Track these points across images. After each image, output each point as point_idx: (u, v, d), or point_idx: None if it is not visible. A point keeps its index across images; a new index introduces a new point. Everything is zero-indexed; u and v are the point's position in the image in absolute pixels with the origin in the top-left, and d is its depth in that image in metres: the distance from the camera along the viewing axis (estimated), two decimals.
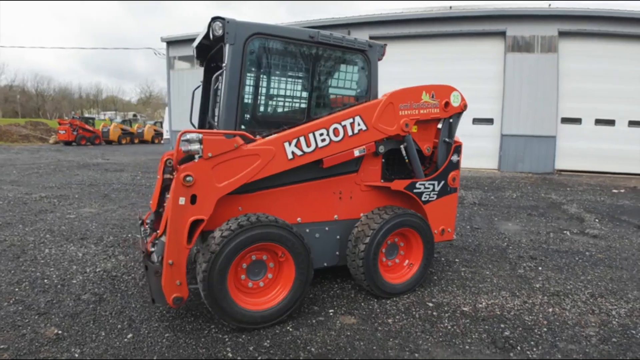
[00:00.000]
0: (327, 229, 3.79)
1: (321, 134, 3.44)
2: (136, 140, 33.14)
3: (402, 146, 3.91)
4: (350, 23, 16.90)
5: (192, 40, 4.33)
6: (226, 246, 2.96)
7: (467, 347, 3.03)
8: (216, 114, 3.70)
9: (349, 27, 16.61)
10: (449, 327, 3.32)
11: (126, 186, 10.44)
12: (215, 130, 3.29)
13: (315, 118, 3.55)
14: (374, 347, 2.99)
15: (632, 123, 14.73)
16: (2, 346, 2.89)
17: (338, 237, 3.85)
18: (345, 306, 3.67)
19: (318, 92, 3.83)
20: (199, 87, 4.39)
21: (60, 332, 3.12)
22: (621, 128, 14.82)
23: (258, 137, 3.34)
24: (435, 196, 4.07)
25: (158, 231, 3.37)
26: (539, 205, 8.81)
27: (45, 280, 4.14)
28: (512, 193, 10.41)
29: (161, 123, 36.86)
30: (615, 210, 8.48)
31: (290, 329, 3.22)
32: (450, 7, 17.71)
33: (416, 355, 2.91)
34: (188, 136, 2.98)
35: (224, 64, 3.29)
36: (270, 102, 3.89)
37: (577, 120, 15.10)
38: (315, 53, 3.65)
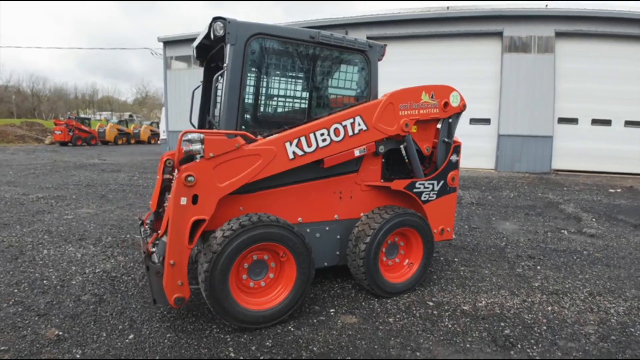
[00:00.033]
0: (327, 228, 3.80)
1: (322, 134, 3.44)
2: (132, 141, 33.09)
3: (402, 146, 3.93)
4: (348, 23, 16.89)
5: (189, 40, 4.34)
6: (228, 246, 2.97)
7: (467, 345, 3.04)
8: (216, 114, 3.70)
9: (347, 28, 16.60)
10: (450, 326, 3.33)
11: (123, 187, 10.41)
12: (216, 131, 3.29)
13: (316, 118, 3.56)
14: (376, 346, 3.00)
15: (628, 123, 14.81)
16: (3, 347, 2.88)
17: (338, 236, 3.86)
18: (346, 306, 3.68)
19: (318, 92, 3.84)
20: (198, 87, 4.39)
21: (61, 333, 3.11)
22: (617, 128, 14.90)
23: (259, 137, 3.34)
24: (434, 196, 4.10)
25: (159, 231, 3.37)
26: (536, 205, 8.86)
27: (45, 281, 4.12)
28: (509, 193, 10.46)
29: (157, 123, 36.71)
30: (612, 209, 8.54)
31: (292, 329, 3.23)
32: (448, 8, 17.75)
33: (417, 354, 2.92)
34: (189, 136, 2.98)
35: (224, 64, 3.29)
36: (271, 102, 3.90)
37: (573, 121, 15.16)
38: (315, 53, 3.66)
